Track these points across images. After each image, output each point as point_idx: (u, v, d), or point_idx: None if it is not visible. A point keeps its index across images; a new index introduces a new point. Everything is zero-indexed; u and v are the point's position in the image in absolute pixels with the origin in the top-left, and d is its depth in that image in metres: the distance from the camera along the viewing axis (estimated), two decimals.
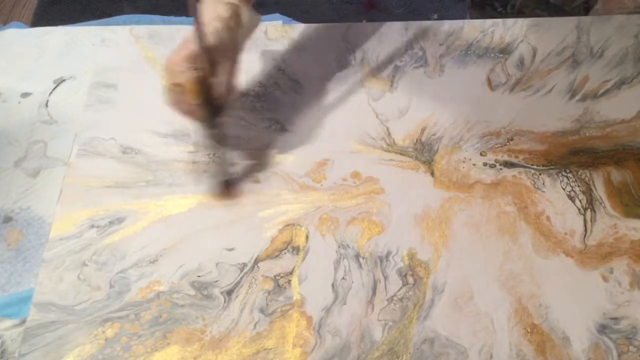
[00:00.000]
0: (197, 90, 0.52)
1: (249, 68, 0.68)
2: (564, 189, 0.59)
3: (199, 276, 0.55)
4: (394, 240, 0.57)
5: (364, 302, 0.53)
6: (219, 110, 0.55)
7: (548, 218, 0.58)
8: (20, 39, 0.72)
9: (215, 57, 0.53)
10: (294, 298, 0.54)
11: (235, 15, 0.56)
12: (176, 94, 0.53)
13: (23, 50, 0.71)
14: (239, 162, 0.61)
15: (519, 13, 0.89)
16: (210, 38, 0.52)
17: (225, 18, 0.54)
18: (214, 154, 0.60)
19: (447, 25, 0.72)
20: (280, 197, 0.59)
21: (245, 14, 0.57)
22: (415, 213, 0.58)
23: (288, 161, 0.62)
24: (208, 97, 0.53)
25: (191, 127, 0.63)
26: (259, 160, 0.61)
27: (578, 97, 0.66)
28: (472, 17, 0.92)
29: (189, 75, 0.51)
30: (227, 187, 0.59)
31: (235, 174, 0.60)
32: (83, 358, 0.50)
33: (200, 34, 0.50)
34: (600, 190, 0.59)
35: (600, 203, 0.59)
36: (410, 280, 0.54)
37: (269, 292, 0.54)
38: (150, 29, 0.72)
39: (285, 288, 0.54)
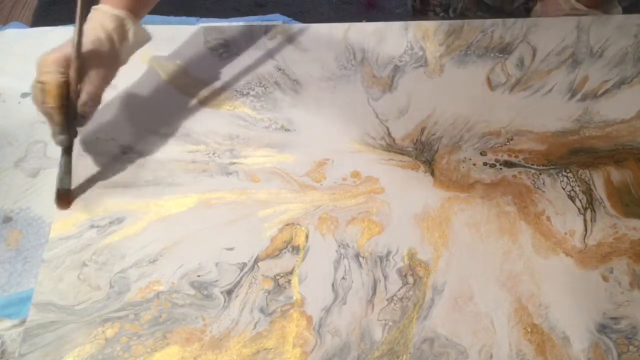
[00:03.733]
0: (57, 94, 0.53)
1: (249, 68, 0.69)
2: (564, 189, 0.59)
3: (198, 276, 0.55)
4: (394, 240, 0.57)
5: (364, 302, 0.53)
6: (76, 118, 0.56)
7: (548, 218, 0.58)
8: (20, 39, 0.72)
9: (87, 66, 0.54)
10: (294, 298, 0.54)
11: (121, 28, 0.57)
12: (39, 92, 0.53)
13: (23, 50, 0.70)
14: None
15: (462, 16, 0.88)
16: (87, 46, 0.54)
17: (109, 29, 0.56)
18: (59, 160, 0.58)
19: (447, 25, 0.72)
20: (280, 196, 0.59)
21: (133, 29, 0.58)
22: (415, 213, 0.58)
23: (288, 161, 0.62)
24: (66, 103, 0.54)
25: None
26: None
27: (578, 97, 0.66)
28: None
29: (53, 78, 0.53)
30: (63, 196, 0.58)
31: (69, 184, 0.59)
32: (83, 358, 0.50)
33: (76, 40, 0.52)
34: (600, 190, 0.59)
35: (600, 203, 0.58)
36: (410, 280, 0.54)
37: (269, 292, 0.54)
38: (150, 29, 0.72)
39: (285, 288, 0.54)
